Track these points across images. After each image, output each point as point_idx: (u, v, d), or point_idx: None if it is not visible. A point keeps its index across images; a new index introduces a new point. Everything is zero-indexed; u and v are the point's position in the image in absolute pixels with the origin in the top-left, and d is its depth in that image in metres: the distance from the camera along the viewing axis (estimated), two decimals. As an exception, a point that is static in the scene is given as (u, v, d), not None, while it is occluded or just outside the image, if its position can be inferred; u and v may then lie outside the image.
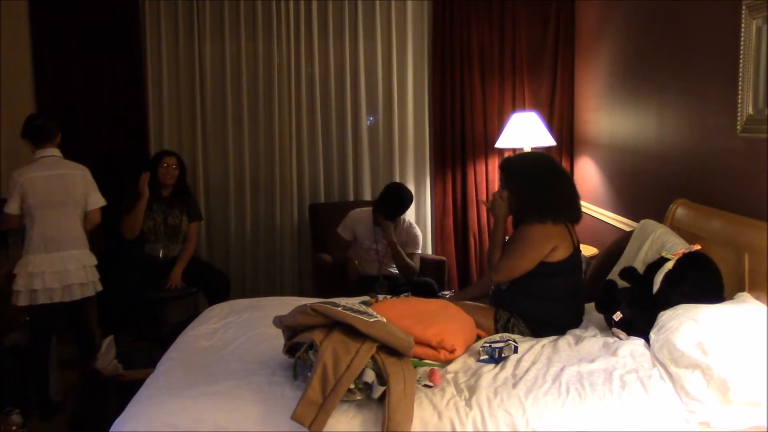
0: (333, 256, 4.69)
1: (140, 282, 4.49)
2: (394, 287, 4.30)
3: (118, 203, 4.47)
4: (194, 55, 5.16)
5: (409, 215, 5.30)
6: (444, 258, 5.01)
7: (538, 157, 3.44)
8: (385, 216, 4.34)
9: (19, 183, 3.72)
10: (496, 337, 2.91)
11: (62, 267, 3.81)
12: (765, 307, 2.51)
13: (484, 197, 5.25)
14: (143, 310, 4.77)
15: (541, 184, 3.10)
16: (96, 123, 5.04)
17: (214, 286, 4.72)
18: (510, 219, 3.31)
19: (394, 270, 4.52)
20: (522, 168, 3.22)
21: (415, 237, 4.51)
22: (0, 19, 4.71)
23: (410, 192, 4.53)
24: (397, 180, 5.29)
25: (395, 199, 4.41)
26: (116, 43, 5.02)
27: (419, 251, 4.56)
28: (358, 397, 2.26)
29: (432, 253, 5.38)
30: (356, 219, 4.53)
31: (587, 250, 4.40)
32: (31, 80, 4.95)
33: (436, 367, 2.55)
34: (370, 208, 4.51)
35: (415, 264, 4.46)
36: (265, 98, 5.24)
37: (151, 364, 3.26)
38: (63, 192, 3.84)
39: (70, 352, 4.23)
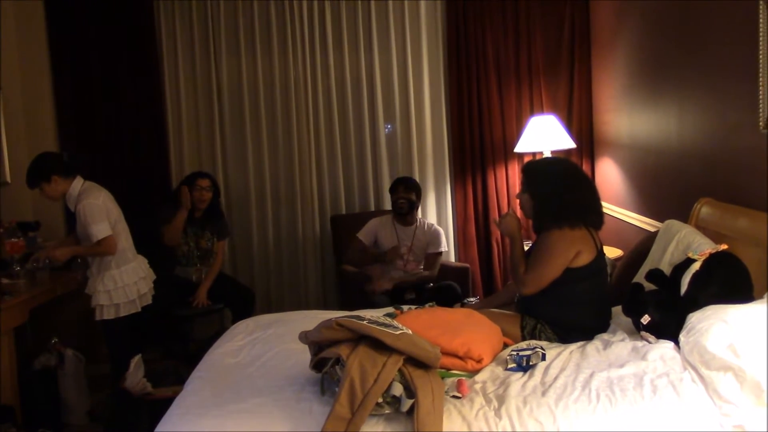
0: (346, 259, 4.77)
1: (170, 301, 4.53)
2: (420, 291, 4.48)
3: (142, 222, 4.48)
4: (211, 70, 5.19)
5: (431, 221, 5.32)
6: (467, 265, 4.99)
7: (560, 161, 3.42)
8: (402, 191, 4.60)
9: (101, 206, 3.78)
10: (523, 344, 2.89)
11: (148, 271, 4.09)
12: (796, 305, 2.47)
13: (504, 202, 5.23)
14: (170, 328, 4.80)
15: (560, 188, 3.08)
16: (116, 142, 5.08)
17: (239, 301, 4.74)
18: (530, 224, 3.29)
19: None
20: (543, 172, 3.21)
21: (438, 236, 4.68)
22: (23, 47, 4.86)
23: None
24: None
25: (400, 180, 4.73)
26: (134, 61, 5.06)
27: (443, 248, 4.70)
28: (387, 411, 2.25)
29: (455, 260, 5.36)
30: (378, 224, 4.69)
31: (611, 252, 4.36)
32: (53, 103, 5.00)
33: (463, 378, 2.53)
34: (389, 215, 4.64)
35: (435, 264, 4.65)
36: (283, 111, 5.26)
37: (180, 381, 3.28)
38: (119, 207, 3.99)
39: (98, 370, 4.28)
